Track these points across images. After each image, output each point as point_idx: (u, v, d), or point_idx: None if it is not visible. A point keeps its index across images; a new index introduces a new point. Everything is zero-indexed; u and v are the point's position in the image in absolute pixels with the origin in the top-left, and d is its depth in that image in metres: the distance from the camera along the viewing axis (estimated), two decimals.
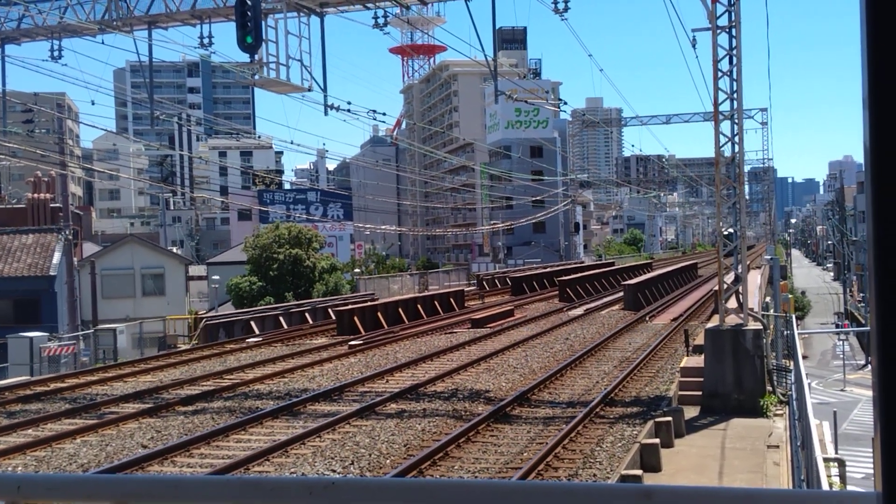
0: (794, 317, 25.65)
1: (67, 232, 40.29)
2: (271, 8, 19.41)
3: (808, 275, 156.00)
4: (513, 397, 17.88)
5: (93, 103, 30.27)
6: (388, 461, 13.54)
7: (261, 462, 13.51)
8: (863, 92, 1.25)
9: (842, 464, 13.67)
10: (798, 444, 12.59)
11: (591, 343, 26.53)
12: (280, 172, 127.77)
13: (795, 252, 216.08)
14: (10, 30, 23.26)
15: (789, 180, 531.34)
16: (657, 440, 13.97)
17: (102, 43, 23.20)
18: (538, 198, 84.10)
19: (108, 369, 26.11)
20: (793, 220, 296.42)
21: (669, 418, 15.17)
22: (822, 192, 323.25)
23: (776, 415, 17.15)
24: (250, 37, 17.42)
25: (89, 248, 59.41)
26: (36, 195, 49.06)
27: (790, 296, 39.32)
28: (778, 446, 14.72)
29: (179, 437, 15.34)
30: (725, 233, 65.84)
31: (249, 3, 17.27)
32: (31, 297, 40.91)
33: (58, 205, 44.84)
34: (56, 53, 22.87)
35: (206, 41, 21.86)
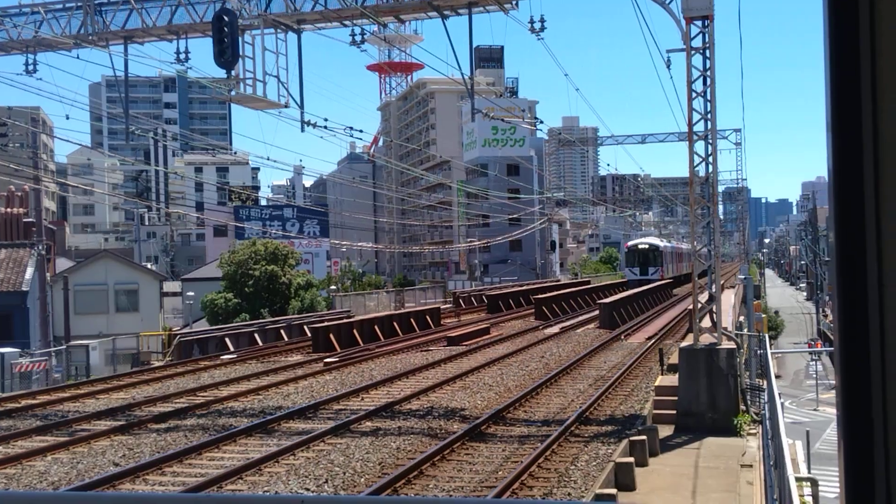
0: (767, 336, 25.83)
1: (40, 247, 39.94)
2: (248, 24, 19.42)
3: (781, 294, 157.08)
4: (488, 415, 17.86)
5: (67, 118, 30.23)
6: (362, 479, 13.48)
7: (234, 480, 13.41)
8: (826, 117, 1.28)
9: (814, 483, 13.71)
10: (771, 463, 12.66)
11: (567, 361, 26.57)
12: (256, 188, 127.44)
13: (769, 272, 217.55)
14: None
15: (763, 200, 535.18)
16: (632, 459, 14.00)
17: (77, 57, 23.12)
18: (515, 216, 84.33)
19: (80, 386, 25.86)
20: (766, 240, 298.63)
21: (644, 437, 15.21)
22: (795, 212, 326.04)
23: (750, 434, 17.23)
24: (227, 52, 17.42)
25: (63, 264, 58.92)
26: (9, 210, 48.65)
27: (763, 315, 39.66)
28: (751, 465, 14.78)
29: (152, 454, 15.20)
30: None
31: (226, 18, 17.29)
32: (3, 313, 40.47)
33: (31, 219, 44.47)
34: (31, 67, 22.73)
35: (182, 56, 21.83)
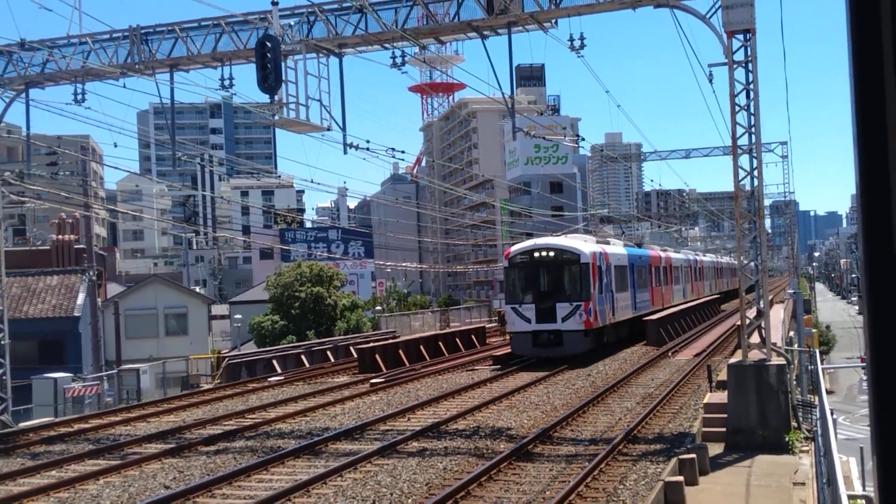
0: (817, 351, 25.38)
1: (91, 273, 40.63)
2: (291, 49, 19.67)
3: (832, 308, 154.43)
4: (535, 435, 17.77)
5: (116, 145, 30.65)
6: (409, 500, 13.47)
7: (283, 502, 13.48)
8: (854, 131, 1.28)
9: (869, 501, 13.45)
10: (824, 481, 12.44)
11: (614, 379, 26.37)
12: (301, 211, 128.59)
13: (819, 286, 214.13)
14: (35, 74, 23.65)
15: (811, 213, 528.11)
16: (681, 478, 13.83)
17: (125, 86, 23.53)
18: (559, 234, 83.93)
19: (131, 409, 26.20)
20: (816, 254, 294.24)
21: (693, 455, 15.02)
22: (845, 224, 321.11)
23: (802, 451, 16.94)
24: (270, 78, 17.65)
25: (113, 289, 59.82)
26: (60, 237, 49.57)
27: (814, 330, 38.99)
28: (804, 483, 14.52)
29: (202, 477, 15.33)
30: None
31: (269, 45, 17.53)
32: (56, 338, 41.19)
33: (82, 246, 45.26)
34: (79, 97, 23.21)
35: (227, 83, 22.14)
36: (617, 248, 38.89)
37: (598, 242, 37.15)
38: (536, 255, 32.21)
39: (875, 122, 1.25)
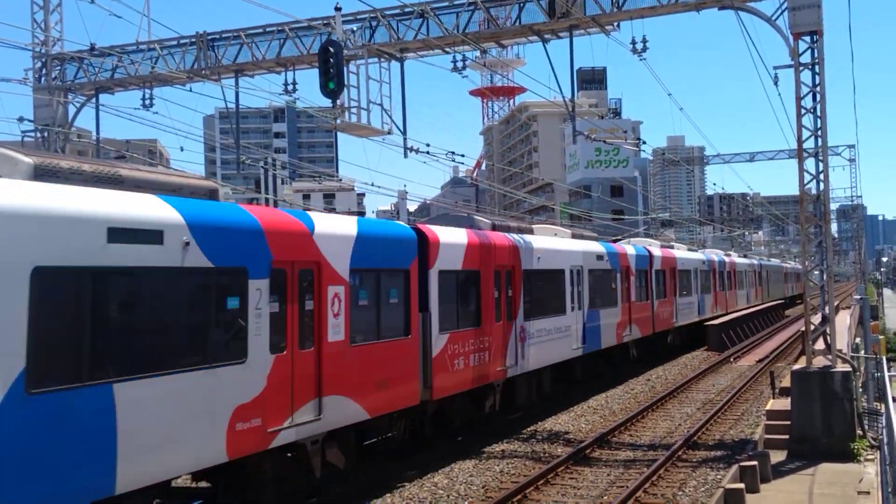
0: (884, 358, 24.85)
1: None
2: (353, 54, 19.85)
3: None
4: (593, 439, 17.71)
5: (182, 149, 31.34)
6: (466, 503, 13.53)
7: None
8: None
9: None
10: (889, 490, 12.19)
11: (673, 385, 26.13)
12: (362, 214, 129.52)
13: (887, 291, 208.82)
14: (105, 79, 24.28)
15: (880, 217, 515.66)
16: (742, 485, 13.68)
17: (191, 91, 24.01)
18: (619, 237, 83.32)
19: None
20: (884, 259, 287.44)
21: (755, 462, 14.83)
22: None
23: (867, 460, 16.60)
24: (333, 83, 17.82)
25: None
26: None
27: (881, 337, 38.12)
28: (869, 492, 14.24)
29: None
30: None
31: (332, 50, 17.70)
32: None
33: None
34: (147, 102, 23.77)
35: (290, 87, 22.48)
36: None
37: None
38: None
39: None
